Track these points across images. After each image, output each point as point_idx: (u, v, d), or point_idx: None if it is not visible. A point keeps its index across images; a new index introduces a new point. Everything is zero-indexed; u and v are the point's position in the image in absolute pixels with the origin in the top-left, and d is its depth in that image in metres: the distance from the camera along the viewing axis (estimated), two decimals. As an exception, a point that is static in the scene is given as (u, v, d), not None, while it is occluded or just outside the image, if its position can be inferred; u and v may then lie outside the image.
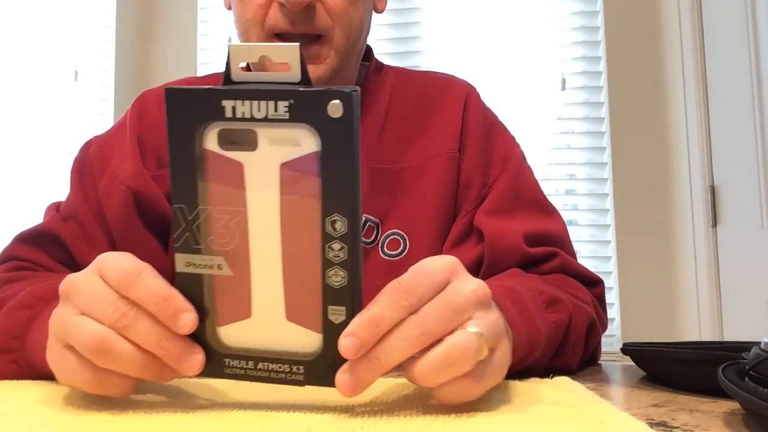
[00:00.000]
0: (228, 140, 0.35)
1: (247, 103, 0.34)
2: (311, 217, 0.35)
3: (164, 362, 0.37)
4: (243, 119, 0.34)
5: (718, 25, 1.73)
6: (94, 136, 0.74)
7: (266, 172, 0.35)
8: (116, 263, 0.37)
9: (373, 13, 0.77)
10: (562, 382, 0.46)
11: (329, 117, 0.34)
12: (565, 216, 2.06)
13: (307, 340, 0.36)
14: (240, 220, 0.36)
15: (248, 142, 0.35)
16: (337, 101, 0.34)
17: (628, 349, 0.52)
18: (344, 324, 0.35)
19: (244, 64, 0.37)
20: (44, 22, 1.90)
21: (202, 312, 0.37)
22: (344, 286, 0.35)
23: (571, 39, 1.91)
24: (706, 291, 1.72)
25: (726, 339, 1.68)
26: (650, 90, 1.85)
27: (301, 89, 0.34)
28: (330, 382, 0.35)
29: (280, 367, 0.37)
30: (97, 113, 1.96)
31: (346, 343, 0.34)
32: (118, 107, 1.93)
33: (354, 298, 0.35)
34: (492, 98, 0.85)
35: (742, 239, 1.63)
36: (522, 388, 0.44)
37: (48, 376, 0.44)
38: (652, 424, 0.34)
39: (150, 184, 0.68)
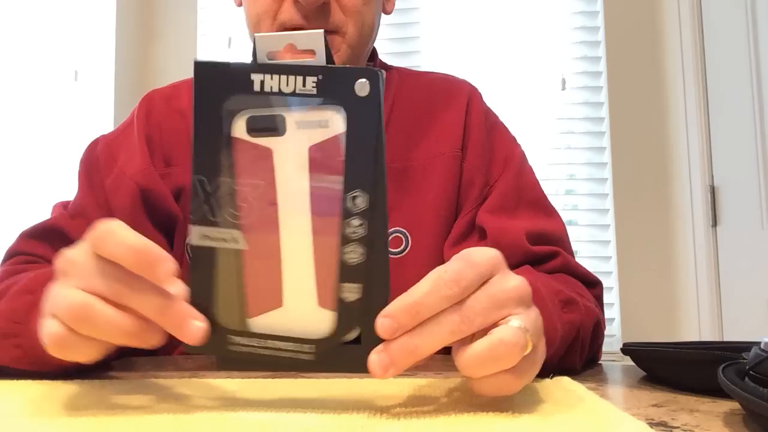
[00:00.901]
0: (256, 127, 0.35)
1: (275, 77, 0.34)
2: (338, 197, 0.35)
3: (152, 328, 0.36)
4: (271, 93, 0.34)
5: (718, 25, 1.73)
6: (101, 135, 0.75)
7: (296, 156, 0.35)
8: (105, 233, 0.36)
9: (382, 15, 0.77)
10: (562, 382, 0.46)
11: (356, 95, 0.34)
12: (565, 216, 2.06)
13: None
14: (271, 206, 0.35)
15: (276, 128, 0.35)
16: (363, 80, 0.34)
17: (628, 349, 0.52)
18: (360, 302, 0.35)
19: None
20: (44, 22, 1.90)
21: (211, 290, 0.36)
22: (361, 263, 0.35)
23: (571, 39, 1.91)
24: (706, 291, 1.72)
25: (726, 339, 1.68)
26: (650, 90, 1.85)
27: (329, 66, 0.35)
28: (341, 366, 0.35)
29: (287, 346, 0.36)
30: (97, 113, 1.96)
31: (383, 323, 0.34)
32: (118, 107, 1.93)
33: (372, 276, 0.35)
34: (492, 98, 0.85)
35: (742, 239, 1.63)
36: (522, 387, 0.44)
37: (51, 361, 0.44)
38: (652, 424, 0.34)
39: (158, 181, 0.68)
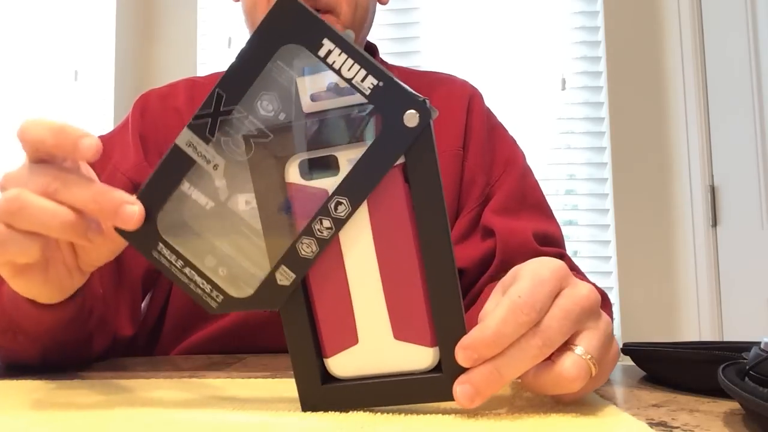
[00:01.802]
0: (308, 170, 0.35)
1: (344, 56, 0.34)
2: (402, 227, 0.34)
3: (88, 219, 0.36)
4: (330, 67, 0.34)
5: (718, 25, 1.73)
6: (97, 136, 0.75)
7: None
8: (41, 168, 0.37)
9: (378, 6, 0.78)
10: (562, 382, 0.46)
11: (404, 125, 0.33)
12: (565, 216, 2.05)
13: (418, 357, 0.35)
14: (334, 246, 0.35)
15: (329, 168, 0.35)
16: (413, 111, 0.33)
17: (628, 349, 0.52)
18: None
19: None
20: (44, 22, 1.90)
21: (166, 196, 0.36)
22: (307, 259, 0.35)
23: (571, 39, 1.91)
24: (706, 291, 1.72)
25: (726, 339, 1.68)
26: (650, 90, 1.85)
27: (394, 79, 0.34)
28: (426, 396, 0.35)
29: (203, 284, 0.36)
30: (97, 113, 1.96)
31: (464, 355, 0.33)
32: (118, 107, 1.93)
33: (446, 304, 0.34)
34: (492, 98, 0.85)
35: (742, 239, 1.63)
36: (521, 387, 0.44)
37: (20, 325, 0.46)
38: (652, 424, 0.34)
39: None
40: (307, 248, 0.35)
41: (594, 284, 0.69)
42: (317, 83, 0.35)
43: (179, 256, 0.37)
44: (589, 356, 0.34)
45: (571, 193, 1.90)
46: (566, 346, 0.35)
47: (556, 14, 1.92)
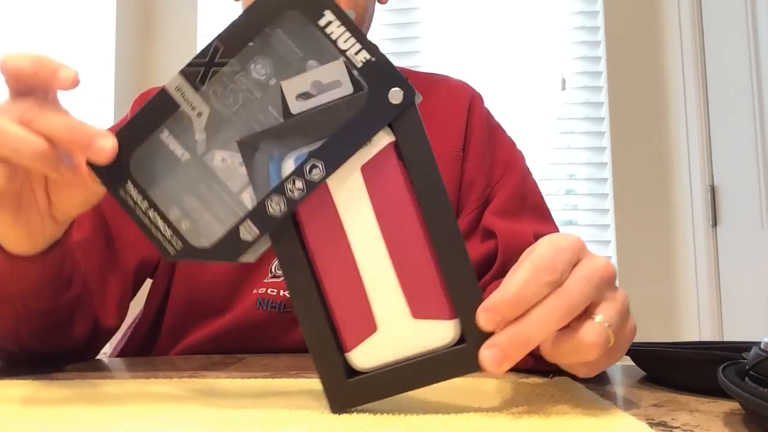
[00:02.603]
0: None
1: (342, 28, 0.35)
2: (403, 204, 0.35)
3: (60, 151, 0.37)
4: (326, 37, 0.35)
5: (718, 25, 1.73)
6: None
7: (349, 179, 0.35)
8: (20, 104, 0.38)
9: (377, 6, 0.78)
10: (562, 382, 0.46)
11: (389, 101, 0.34)
12: (565, 216, 2.05)
13: (440, 332, 0.35)
14: (340, 236, 0.35)
15: None
16: (397, 89, 0.34)
17: (628, 349, 0.52)
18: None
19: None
20: (44, 22, 1.90)
21: (141, 141, 0.37)
22: (274, 217, 0.35)
23: (571, 39, 1.91)
24: (706, 291, 1.72)
25: (726, 339, 1.68)
26: (650, 90, 1.85)
27: (386, 58, 0.35)
28: (453, 370, 0.35)
29: (164, 228, 0.37)
30: (97, 113, 1.96)
31: (486, 318, 0.33)
32: (118, 107, 1.93)
33: (459, 275, 0.34)
34: (492, 98, 0.85)
35: (742, 239, 1.63)
36: (522, 387, 0.44)
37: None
38: (652, 424, 0.34)
39: None
40: (275, 206, 0.35)
41: None
42: (302, 83, 0.35)
43: (145, 197, 0.37)
44: (608, 324, 0.34)
45: (571, 193, 1.90)
46: (585, 314, 0.35)
47: (556, 14, 1.91)
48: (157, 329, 0.73)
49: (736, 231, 1.67)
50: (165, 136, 0.37)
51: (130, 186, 0.37)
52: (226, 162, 0.36)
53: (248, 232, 0.35)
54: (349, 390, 0.36)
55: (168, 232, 0.37)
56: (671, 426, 0.34)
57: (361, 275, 0.35)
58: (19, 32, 1.86)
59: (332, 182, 0.35)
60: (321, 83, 0.35)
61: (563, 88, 1.88)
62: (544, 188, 0.78)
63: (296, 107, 0.36)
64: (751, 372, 0.36)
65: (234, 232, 0.36)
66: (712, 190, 1.73)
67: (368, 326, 0.35)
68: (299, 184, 0.35)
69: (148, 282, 0.75)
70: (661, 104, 1.85)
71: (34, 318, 0.51)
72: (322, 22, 0.35)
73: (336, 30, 0.35)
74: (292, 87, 0.35)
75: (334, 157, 0.35)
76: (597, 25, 1.90)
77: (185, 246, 0.37)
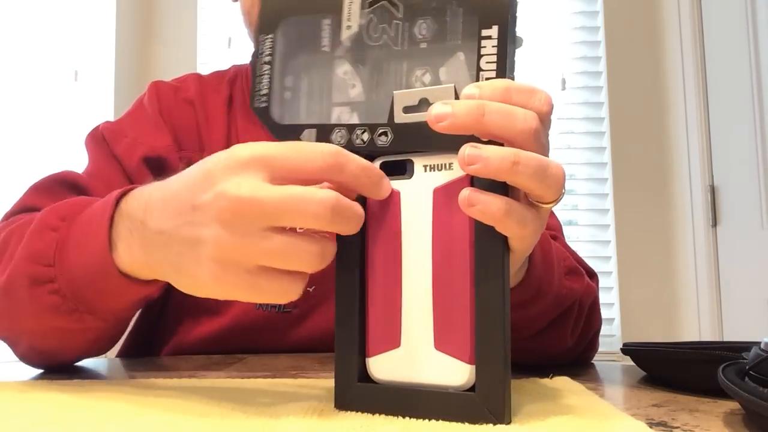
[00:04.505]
0: (387, 170, 0.36)
1: (494, 48, 0.39)
2: (461, 238, 0.35)
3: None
4: (477, 48, 0.38)
5: (718, 25, 1.73)
6: (103, 122, 0.75)
7: (420, 197, 0.36)
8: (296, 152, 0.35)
9: None
10: (562, 381, 0.46)
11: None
12: (565, 216, 2.05)
13: (455, 372, 0.35)
14: (395, 245, 0.36)
15: (405, 171, 0.36)
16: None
17: (628, 349, 0.52)
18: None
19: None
20: (44, 22, 1.90)
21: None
22: (362, 146, 0.37)
23: (571, 39, 1.91)
24: (706, 291, 1.72)
25: (726, 339, 1.68)
26: (650, 90, 1.85)
27: None
28: (458, 414, 0.34)
29: (266, 85, 0.40)
30: (97, 113, 1.96)
31: (438, 111, 0.34)
32: (118, 107, 1.93)
33: (486, 326, 0.34)
34: (492, 98, 0.85)
35: (742, 239, 1.63)
36: (521, 387, 0.44)
37: (94, 304, 0.43)
38: (652, 424, 0.34)
39: (172, 153, 0.70)
40: (358, 140, 0.37)
41: (591, 269, 0.69)
42: (411, 98, 0.37)
43: (274, 53, 0.40)
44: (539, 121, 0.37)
45: (571, 193, 1.90)
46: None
47: (556, 14, 1.92)
48: (157, 329, 0.73)
49: (736, 231, 1.67)
50: (327, 22, 0.39)
51: (267, 38, 0.40)
52: (346, 76, 0.39)
53: (310, 137, 0.38)
54: (357, 392, 0.36)
55: (265, 89, 0.39)
56: (671, 426, 0.34)
57: (402, 292, 0.36)
58: (19, 32, 1.86)
59: (404, 194, 0.36)
60: (428, 102, 0.36)
61: (563, 88, 1.88)
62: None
63: (400, 118, 0.36)
64: (751, 372, 0.36)
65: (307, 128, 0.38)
66: (712, 190, 1.73)
67: (393, 340, 0.36)
68: (366, 136, 0.37)
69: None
70: (661, 104, 1.85)
71: (120, 326, 0.51)
72: (484, 33, 0.37)
73: (489, 49, 0.38)
74: (401, 99, 0.37)
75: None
76: (597, 25, 1.90)
77: (267, 106, 0.39)
